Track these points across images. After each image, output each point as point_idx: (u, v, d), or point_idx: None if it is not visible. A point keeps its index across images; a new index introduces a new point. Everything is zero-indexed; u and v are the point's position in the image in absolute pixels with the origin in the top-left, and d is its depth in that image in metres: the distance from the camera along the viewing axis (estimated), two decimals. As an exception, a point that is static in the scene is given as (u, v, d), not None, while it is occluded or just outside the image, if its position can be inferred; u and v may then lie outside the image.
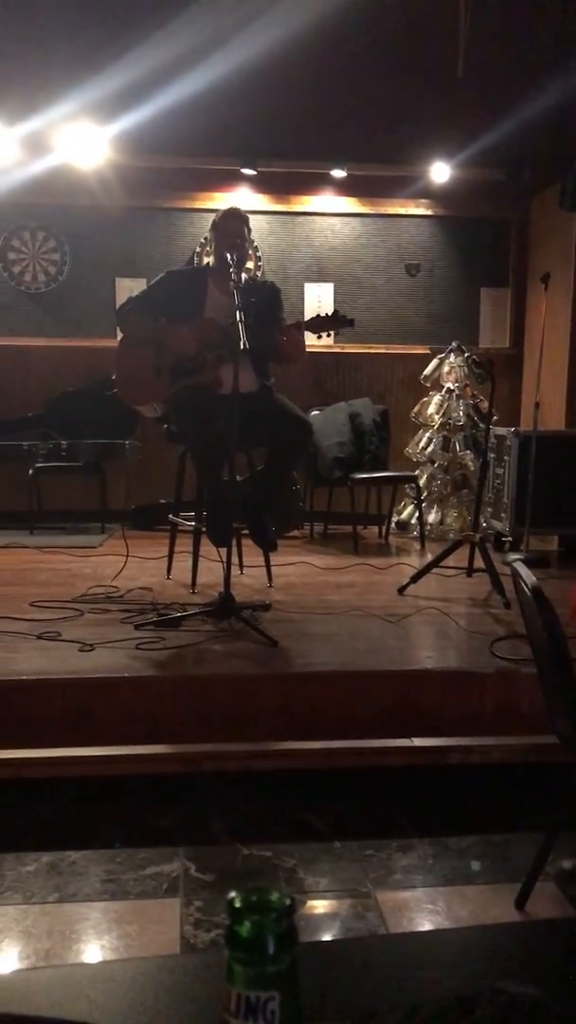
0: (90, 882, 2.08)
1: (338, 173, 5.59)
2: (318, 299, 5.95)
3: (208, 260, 4.81)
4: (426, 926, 1.96)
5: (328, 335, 3.59)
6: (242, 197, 5.70)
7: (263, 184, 5.78)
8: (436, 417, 5.52)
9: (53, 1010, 0.71)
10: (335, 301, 5.92)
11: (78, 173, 5.44)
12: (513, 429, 4.77)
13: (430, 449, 5.51)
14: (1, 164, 5.29)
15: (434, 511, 5.53)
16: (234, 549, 3.50)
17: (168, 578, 3.95)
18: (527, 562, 1.94)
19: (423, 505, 5.32)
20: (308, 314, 5.05)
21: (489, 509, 5.07)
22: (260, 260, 5.90)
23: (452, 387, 5.53)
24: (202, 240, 5.76)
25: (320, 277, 6.00)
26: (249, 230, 3.63)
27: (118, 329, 4.16)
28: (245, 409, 3.03)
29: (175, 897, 2.01)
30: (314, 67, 4.29)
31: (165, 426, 3.69)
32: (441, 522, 5.51)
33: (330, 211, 5.95)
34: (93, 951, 1.85)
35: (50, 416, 5.65)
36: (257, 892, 0.51)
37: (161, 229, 5.87)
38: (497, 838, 2.32)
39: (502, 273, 6.11)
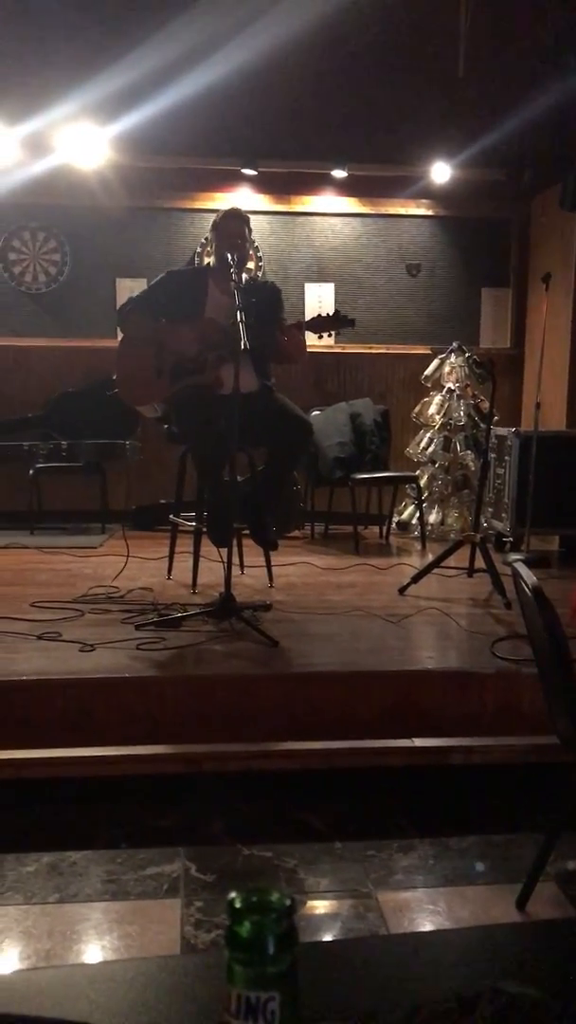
0: (91, 882, 2.08)
1: (339, 173, 5.59)
2: (319, 299, 5.95)
3: (209, 260, 4.81)
4: (427, 926, 1.96)
5: (329, 335, 3.59)
6: (243, 197, 5.70)
7: (264, 184, 5.78)
8: (437, 417, 5.52)
9: (53, 1010, 0.71)
10: (336, 301, 5.92)
11: (79, 173, 5.45)
12: (514, 429, 4.77)
13: (431, 449, 5.51)
14: (2, 164, 5.29)
15: (435, 511, 5.53)
16: (235, 549, 3.49)
17: (169, 578, 3.95)
18: (528, 562, 1.94)
19: (424, 505, 5.32)
20: (309, 314, 5.05)
21: (490, 509, 5.07)
22: (261, 260, 5.90)
23: (453, 387, 5.53)
24: (203, 240, 5.76)
25: (321, 277, 6.00)
26: (250, 230, 3.63)
27: (118, 329, 4.16)
28: (246, 409, 3.02)
29: (176, 897, 2.01)
30: (314, 67, 4.29)
31: (166, 426, 3.69)
32: (442, 522, 5.51)
33: (331, 211, 5.95)
34: (93, 951, 1.85)
35: (51, 416, 5.65)
36: (257, 892, 0.51)
37: (162, 229, 5.87)
38: (498, 838, 2.32)
39: (503, 273, 6.11)
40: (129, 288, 5.48)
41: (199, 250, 5.83)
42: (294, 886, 2.07)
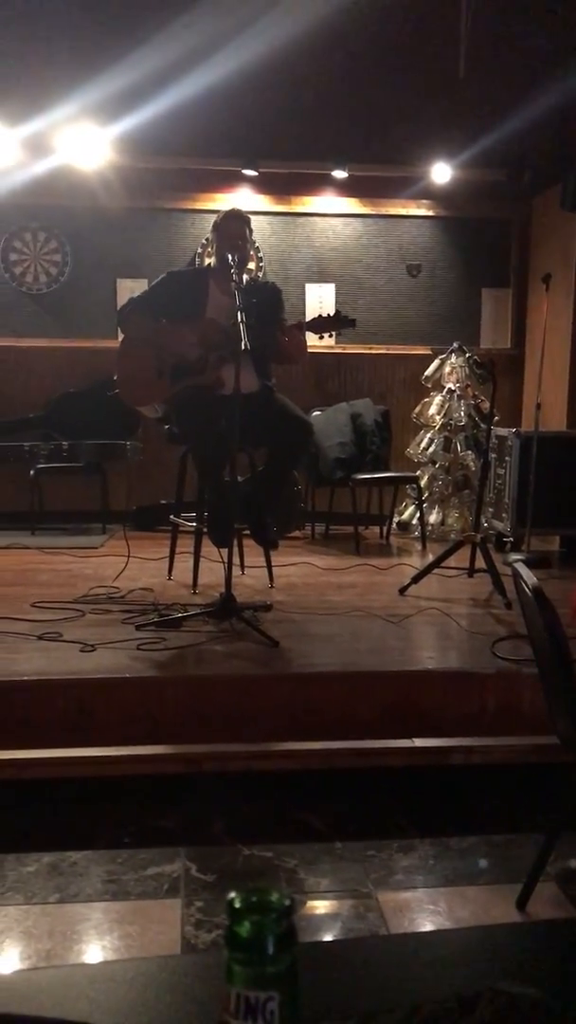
0: (91, 882, 2.08)
1: (339, 174, 5.59)
2: (319, 300, 5.95)
3: (209, 261, 4.81)
4: (427, 926, 1.96)
5: (330, 335, 3.60)
6: (243, 198, 5.70)
7: (264, 185, 5.78)
8: (437, 418, 5.52)
9: (54, 1010, 0.71)
10: (336, 301, 5.92)
11: (79, 174, 5.45)
12: (514, 430, 4.77)
13: (431, 450, 5.51)
14: (3, 165, 5.29)
15: (435, 511, 5.53)
16: (235, 550, 3.49)
17: (169, 579, 3.95)
18: (528, 562, 1.94)
19: (424, 506, 5.33)
20: (309, 315, 5.05)
21: (490, 510, 5.07)
22: (261, 261, 5.90)
23: (453, 388, 5.53)
24: (203, 241, 5.76)
25: (321, 278, 6.00)
26: (251, 231, 3.63)
27: (119, 330, 4.16)
28: (246, 409, 3.03)
29: (176, 897, 2.01)
30: (315, 68, 4.29)
31: (166, 427, 3.70)
32: (442, 522, 5.51)
33: (331, 212, 5.95)
34: (94, 951, 1.85)
35: (51, 417, 5.65)
36: (257, 892, 0.52)
37: (162, 230, 5.88)
38: (498, 838, 2.32)
39: (503, 273, 6.12)
40: (130, 289, 5.48)
41: (200, 251, 5.83)
42: (294, 886, 2.07)
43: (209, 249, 5.00)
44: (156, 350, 3.47)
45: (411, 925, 1.97)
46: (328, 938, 1.90)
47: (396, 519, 5.60)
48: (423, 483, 5.42)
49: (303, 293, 5.96)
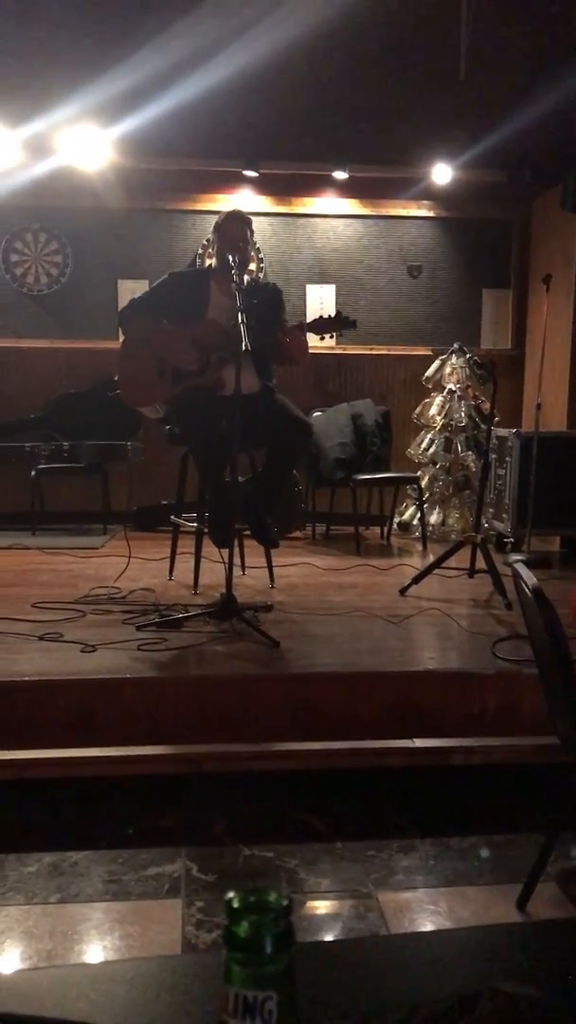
0: (92, 883, 2.09)
1: (340, 175, 5.59)
2: (320, 300, 5.96)
3: (210, 262, 4.82)
4: (427, 927, 1.96)
5: (330, 336, 3.59)
6: (244, 199, 5.71)
7: (265, 186, 5.78)
8: (438, 418, 5.52)
9: (54, 1010, 0.71)
10: (337, 302, 5.92)
11: (80, 175, 5.45)
12: (515, 430, 4.77)
13: (432, 450, 5.51)
14: (4, 166, 5.30)
15: (436, 512, 5.53)
16: (236, 550, 3.50)
17: (170, 579, 3.95)
18: (528, 563, 1.94)
19: (425, 506, 5.33)
20: (310, 315, 5.05)
21: (491, 510, 5.07)
22: (262, 262, 5.90)
23: (454, 388, 5.53)
24: (204, 242, 5.76)
25: (322, 278, 6.00)
26: (252, 232, 3.63)
27: (120, 331, 4.17)
28: (247, 410, 3.03)
29: (177, 898, 2.02)
30: (316, 69, 4.29)
31: (167, 427, 3.70)
32: (443, 523, 5.51)
33: (332, 213, 5.95)
34: (95, 952, 1.85)
35: (52, 417, 5.66)
36: (255, 892, 0.52)
37: (163, 231, 5.88)
38: (498, 839, 2.33)
39: (504, 274, 6.12)
40: (131, 290, 5.49)
41: (201, 252, 5.83)
42: (295, 886, 2.07)
43: (210, 250, 5.00)
44: (157, 352, 3.48)
45: (411, 925, 1.97)
46: (328, 938, 1.90)
47: (397, 520, 5.60)
48: (424, 484, 5.42)
49: (304, 294, 5.97)
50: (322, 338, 3.54)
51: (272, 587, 3.84)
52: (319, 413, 5.46)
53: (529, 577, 1.79)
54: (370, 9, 3.79)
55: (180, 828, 2.32)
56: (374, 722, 2.63)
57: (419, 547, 5.14)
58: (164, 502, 5.26)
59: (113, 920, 1.95)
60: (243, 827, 2.31)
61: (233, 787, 2.47)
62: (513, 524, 4.71)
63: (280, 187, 5.81)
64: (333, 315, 3.38)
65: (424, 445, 5.55)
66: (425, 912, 2.01)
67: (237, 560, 3.72)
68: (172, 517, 3.96)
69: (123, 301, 5.21)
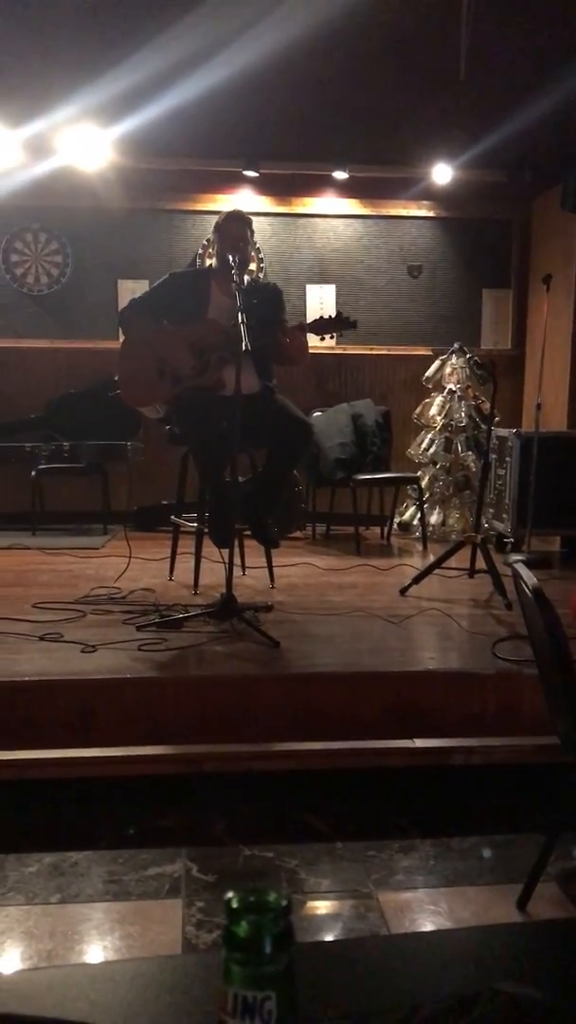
0: (92, 883, 2.09)
1: (340, 175, 5.59)
2: (320, 300, 5.96)
3: (211, 262, 4.82)
4: (428, 927, 1.96)
5: (331, 336, 3.59)
6: (244, 199, 5.71)
7: (265, 186, 5.78)
8: (438, 418, 5.52)
9: (54, 1010, 0.71)
10: (337, 302, 5.92)
11: (80, 175, 5.45)
12: (515, 430, 4.77)
13: (432, 450, 5.51)
14: (4, 166, 5.30)
15: (436, 512, 5.53)
16: (236, 550, 3.50)
17: (170, 579, 3.95)
18: (528, 563, 1.94)
19: (425, 506, 5.33)
20: (310, 316, 5.05)
21: (491, 510, 5.07)
22: (262, 262, 5.90)
23: (454, 388, 5.53)
24: (204, 242, 5.77)
25: (322, 279, 6.00)
26: (252, 232, 3.63)
27: (120, 331, 4.17)
28: (247, 410, 3.03)
29: (177, 898, 2.02)
30: (316, 69, 4.29)
31: (167, 427, 3.70)
32: (443, 523, 5.51)
33: (332, 213, 5.95)
34: (95, 952, 1.85)
35: (52, 417, 5.66)
36: (254, 892, 0.52)
37: (163, 231, 5.88)
38: (499, 839, 2.33)
39: (504, 274, 6.11)
40: (131, 290, 5.49)
41: (201, 252, 5.83)
42: (295, 886, 2.07)
43: (210, 250, 5.00)
44: (157, 352, 3.48)
45: (412, 925, 1.97)
46: (328, 938, 1.90)
47: (397, 520, 5.60)
48: (424, 484, 5.42)
49: (304, 294, 5.97)
50: (322, 338, 3.54)
51: (272, 587, 3.84)
52: (319, 413, 5.46)
53: (529, 577, 1.79)
54: (370, 9, 3.79)
55: (180, 828, 2.32)
56: (374, 722, 2.63)
57: (419, 547, 5.14)
58: (164, 502, 5.26)
59: (113, 920, 1.95)
60: (243, 827, 2.31)
61: (233, 787, 2.47)
62: (513, 524, 4.71)
63: (280, 187, 5.81)
64: (333, 315, 3.38)
65: (424, 445, 5.55)
66: (425, 912, 2.01)
67: (237, 560, 3.72)
68: (172, 517, 3.96)
69: (123, 301, 5.21)
